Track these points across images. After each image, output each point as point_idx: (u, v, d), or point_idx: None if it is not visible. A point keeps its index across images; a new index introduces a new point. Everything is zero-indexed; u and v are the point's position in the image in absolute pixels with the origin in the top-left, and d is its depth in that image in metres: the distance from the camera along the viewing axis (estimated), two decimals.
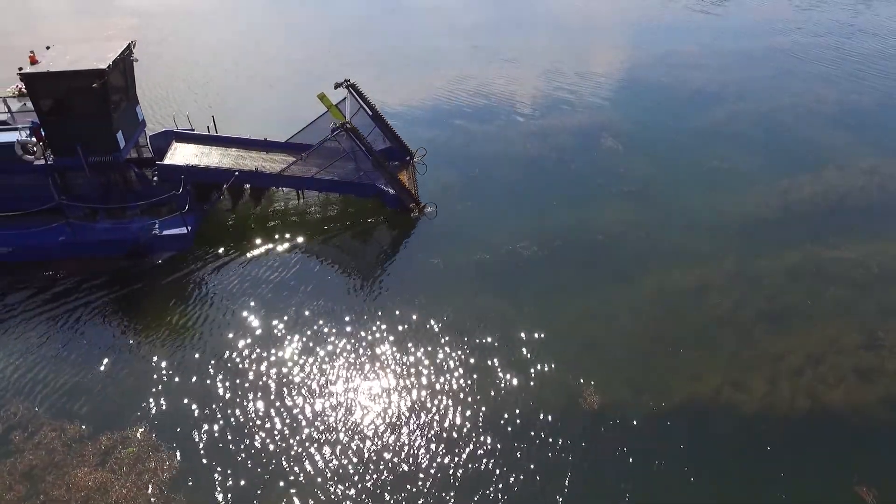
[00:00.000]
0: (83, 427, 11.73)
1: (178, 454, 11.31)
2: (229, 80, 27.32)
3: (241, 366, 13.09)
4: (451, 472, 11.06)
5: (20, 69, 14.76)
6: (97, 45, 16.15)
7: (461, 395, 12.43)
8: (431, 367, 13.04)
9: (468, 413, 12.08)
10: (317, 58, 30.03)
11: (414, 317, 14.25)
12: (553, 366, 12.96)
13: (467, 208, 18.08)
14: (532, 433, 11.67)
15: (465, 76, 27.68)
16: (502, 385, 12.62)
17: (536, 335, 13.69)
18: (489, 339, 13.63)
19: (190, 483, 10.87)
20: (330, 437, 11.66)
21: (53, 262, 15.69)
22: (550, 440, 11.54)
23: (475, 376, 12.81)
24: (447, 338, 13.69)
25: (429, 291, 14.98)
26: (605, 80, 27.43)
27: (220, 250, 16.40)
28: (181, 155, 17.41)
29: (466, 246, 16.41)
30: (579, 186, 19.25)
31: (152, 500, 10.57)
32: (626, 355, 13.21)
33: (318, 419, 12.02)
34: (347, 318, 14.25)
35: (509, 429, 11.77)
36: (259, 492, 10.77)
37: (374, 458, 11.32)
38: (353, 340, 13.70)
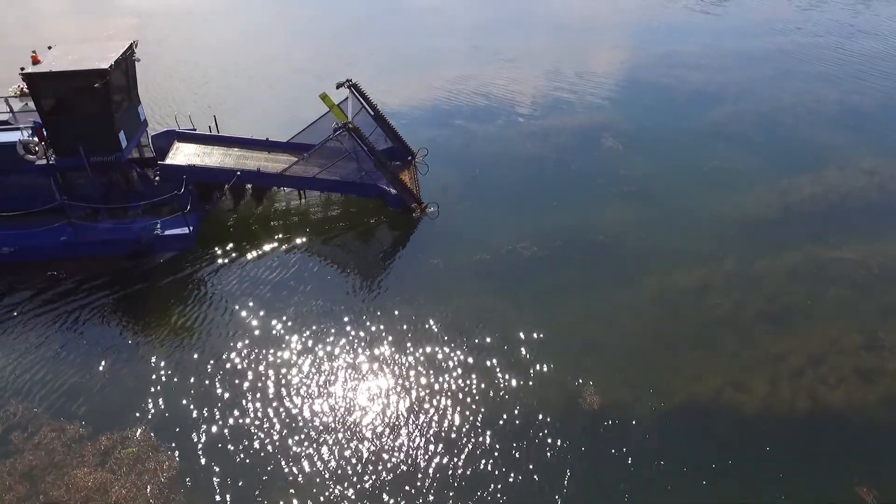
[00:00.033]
0: (83, 427, 11.72)
1: (177, 454, 11.29)
2: (229, 80, 27.31)
3: (241, 366, 13.08)
4: (450, 473, 11.04)
5: (22, 69, 14.75)
6: (99, 45, 16.16)
7: (461, 396, 12.41)
8: (431, 368, 13.02)
9: (468, 413, 12.06)
10: (317, 58, 30.02)
11: (414, 317, 14.23)
12: (553, 366, 12.94)
13: (467, 208, 18.07)
14: (532, 433, 11.65)
15: (465, 76, 27.67)
16: (502, 385, 12.61)
17: (536, 335, 13.67)
18: (489, 340, 13.61)
19: (189, 483, 10.85)
20: (329, 438, 11.65)
21: (55, 262, 15.66)
22: (550, 440, 11.52)
23: (475, 376, 12.80)
24: (447, 338, 13.67)
25: (429, 291, 14.97)
26: (606, 80, 27.42)
27: (222, 250, 16.39)
28: (183, 155, 17.39)
29: (467, 246, 16.40)
30: (580, 186, 19.24)
31: (152, 500, 10.55)
32: (627, 355, 13.20)
33: (318, 419, 12.00)
34: (347, 319, 14.23)
35: (509, 429, 11.76)
36: (258, 492, 10.76)
37: (374, 458, 11.31)
38: (353, 341, 13.69)
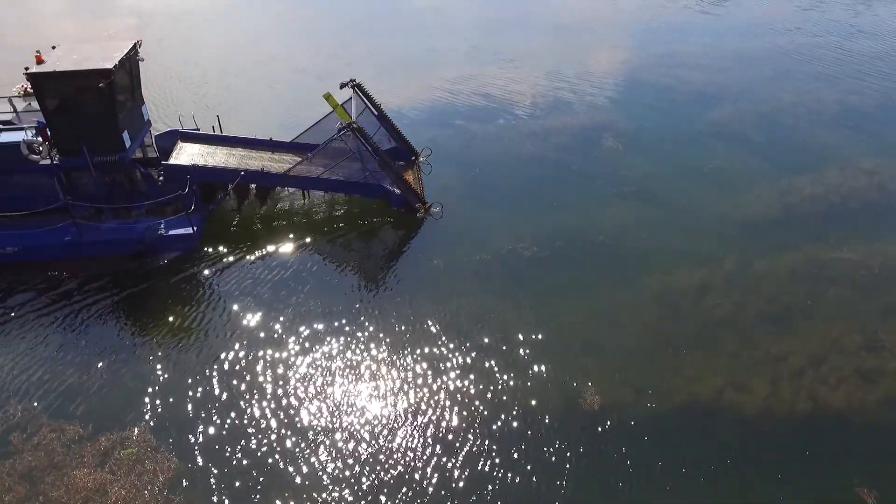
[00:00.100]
0: (82, 428, 11.70)
1: (177, 455, 11.28)
2: (229, 80, 27.29)
3: (241, 367, 13.06)
4: (450, 474, 11.03)
5: (26, 68, 14.75)
6: (103, 45, 16.16)
7: (460, 396, 12.40)
8: (430, 368, 13.01)
9: (467, 414, 12.05)
10: (317, 58, 30.01)
11: (414, 317, 14.22)
12: (553, 366, 12.93)
13: (468, 208, 18.06)
14: (532, 434, 11.64)
15: (465, 76, 27.65)
16: (502, 386, 12.60)
17: (537, 335, 13.66)
18: (489, 340, 13.60)
19: (189, 484, 10.84)
20: (328, 439, 11.64)
21: (58, 262, 15.65)
22: (550, 441, 11.51)
23: (474, 377, 12.79)
24: (447, 338, 13.66)
25: (429, 292, 14.96)
26: (606, 80, 27.40)
27: (225, 250, 16.38)
28: (186, 155, 17.40)
29: (467, 246, 16.38)
30: (580, 187, 19.23)
31: (151, 501, 10.54)
32: (627, 356, 13.18)
33: (317, 420, 11.99)
34: (347, 319, 14.22)
35: (509, 429, 11.75)
36: (257, 493, 10.75)
37: (372, 459, 11.29)
38: (352, 341, 13.68)
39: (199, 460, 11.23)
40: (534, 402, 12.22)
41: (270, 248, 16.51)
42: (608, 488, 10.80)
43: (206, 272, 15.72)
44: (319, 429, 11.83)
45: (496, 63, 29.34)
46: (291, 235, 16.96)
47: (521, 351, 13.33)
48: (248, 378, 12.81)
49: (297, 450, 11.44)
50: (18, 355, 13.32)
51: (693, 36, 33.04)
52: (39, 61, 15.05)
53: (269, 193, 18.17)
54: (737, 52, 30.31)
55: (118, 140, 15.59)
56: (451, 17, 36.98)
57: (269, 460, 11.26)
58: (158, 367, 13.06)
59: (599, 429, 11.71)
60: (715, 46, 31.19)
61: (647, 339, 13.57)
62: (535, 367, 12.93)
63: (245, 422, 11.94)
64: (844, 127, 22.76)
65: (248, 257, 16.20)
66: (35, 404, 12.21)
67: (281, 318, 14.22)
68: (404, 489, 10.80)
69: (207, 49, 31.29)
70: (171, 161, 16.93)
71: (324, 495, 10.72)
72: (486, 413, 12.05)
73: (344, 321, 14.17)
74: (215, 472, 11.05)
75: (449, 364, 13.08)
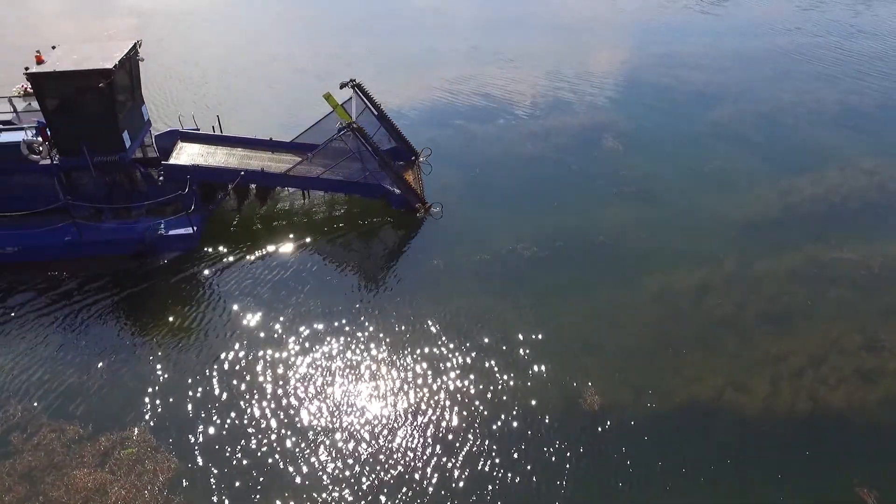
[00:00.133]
0: (82, 428, 11.70)
1: (177, 456, 11.27)
2: (229, 80, 27.28)
3: (241, 367, 13.06)
4: (450, 474, 11.03)
5: (26, 68, 14.74)
6: (103, 45, 16.16)
7: (460, 396, 12.40)
8: (430, 368, 13.00)
9: (468, 414, 12.05)
10: (317, 58, 30.01)
11: (414, 317, 14.22)
12: (553, 366, 12.93)
13: (468, 209, 18.05)
14: (532, 434, 11.64)
15: (465, 76, 27.65)
16: (502, 386, 12.59)
17: (537, 336, 13.66)
18: (489, 340, 13.60)
19: (189, 484, 10.84)
20: (328, 439, 11.63)
21: (58, 262, 15.64)
22: (550, 441, 11.51)
23: (474, 377, 12.79)
24: (447, 338, 13.66)
25: (429, 292, 14.95)
26: (606, 80, 27.40)
27: (225, 250, 16.37)
28: (187, 155, 17.40)
29: (467, 246, 16.38)
30: (580, 187, 19.23)
31: (151, 501, 10.54)
32: (627, 356, 13.18)
33: (317, 420, 11.99)
34: (347, 319, 14.22)
35: (509, 430, 11.75)
36: (257, 493, 10.74)
37: (373, 459, 11.29)
38: (352, 341, 13.67)
39: (200, 460, 11.23)
40: (534, 403, 12.22)
41: (270, 248, 16.51)
42: (608, 488, 10.80)
43: (206, 272, 15.72)
44: (319, 429, 11.83)
45: (496, 63, 29.34)
46: (291, 235, 16.95)
47: (521, 351, 13.33)
48: (248, 378, 12.81)
49: (297, 450, 11.43)
50: (18, 355, 13.32)
51: (693, 36, 33.04)
52: (39, 61, 15.05)
53: (269, 193, 18.16)
54: (737, 52, 30.31)
55: (118, 140, 15.59)
56: (450, 17, 36.98)
57: (270, 460, 11.25)
58: (159, 367, 13.05)
59: (599, 429, 11.71)
60: (715, 46, 31.19)
61: (647, 340, 13.57)
62: (535, 367, 12.92)
63: (245, 422, 11.93)
64: (844, 127, 22.76)
65: (248, 257, 16.19)
66: (35, 404, 12.21)
67: (281, 318, 14.22)
68: (404, 489, 10.80)
69: (207, 49, 31.28)
70: (172, 161, 16.93)
71: (324, 495, 10.72)
72: (485, 413, 12.05)
73: (344, 321, 14.17)
74: (215, 472, 11.05)
75: (449, 364, 13.08)
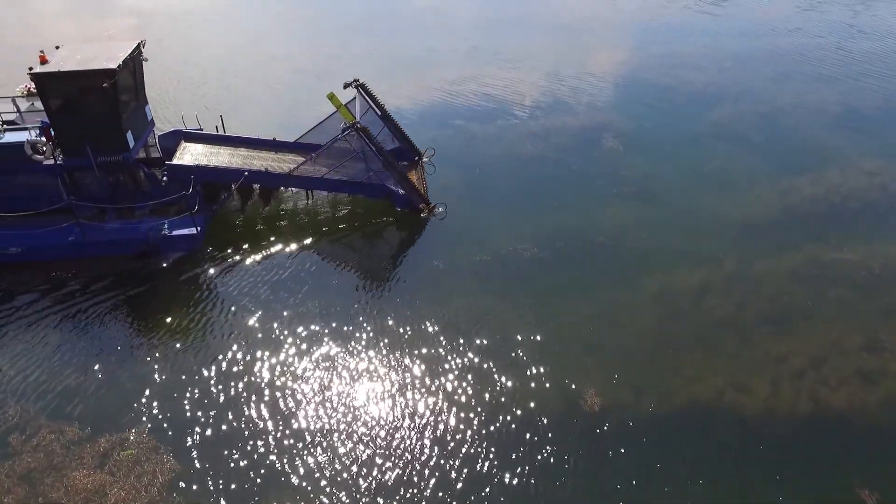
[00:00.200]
0: (81, 429, 11.68)
1: (176, 457, 11.25)
2: (228, 80, 27.26)
3: (241, 368, 13.04)
4: (448, 476, 11.01)
5: (30, 69, 14.74)
6: (107, 45, 16.20)
7: (459, 397, 12.38)
8: (430, 369, 12.98)
9: (466, 415, 12.03)
10: (316, 58, 29.98)
11: (414, 318, 14.20)
12: (553, 367, 12.91)
13: (468, 209, 18.03)
14: (531, 435, 11.62)
15: (465, 76, 27.63)
16: (501, 387, 12.57)
17: (536, 337, 13.64)
18: (489, 341, 13.58)
19: (188, 485, 10.82)
20: (328, 440, 11.62)
21: (61, 263, 15.62)
22: (550, 442, 11.49)
23: (474, 378, 12.76)
24: (446, 339, 13.64)
25: (429, 292, 14.94)
26: (606, 80, 27.39)
27: (229, 251, 16.37)
28: (190, 155, 17.41)
29: (467, 247, 16.36)
30: (580, 187, 19.21)
31: (150, 502, 10.52)
32: (627, 356, 13.16)
33: (316, 422, 11.97)
34: (347, 320, 14.20)
35: (509, 431, 11.73)
36: (256, 494, 10.72)
37: (371, 460, 11.27)
38: (352, 342, 13.66)
39: (199, 461, 11.21)
40: (534, 403, 12.20)
41: (274, 248, 16.49)
42: (608, 489, 10.78)
43: (210, 273, 15.70)
44: (318, 430, 11.81)
45: (496, 63, 29.31)
46: (295, 236, 16.93)
47: (521, 351, 13.31)
48: (248, 379, 12.79)
49: (296, 451, 11.42)
50: (18, 356, 13.30)
51: (693, 36, 33.02)
52: (43, 61, 15.06)
53: (273, 194, 18.16)
54: (737, 52, 30.28)
55: (122, 140, 15.59)
56: (450, 17, 36.94)
57: (268, 461, 11.24)
58: (158, 367, 13.03)
59: (600, 430, 11.69)
60: (715, 47, 31.17)
61: (647, 340, 13.55)
62: (535, 368, 12.90)
63: (244, 423, 11.91)
64: (845, 127, 22.74)
65: (251, 258, 16.17)
66: (34, 405, 12.19)
67: (281, 319, 14.20)
68: (403, 490, 10.78)
69: (207, 49, 31.26)
70: (175, 161, 16.94)
71: (322, 496, 10.70)
72: (485, 414, 12.03)
73: (343, 322, 14.15)
74: (214, 473, 11.03)
75: (448, 365, 13.06)
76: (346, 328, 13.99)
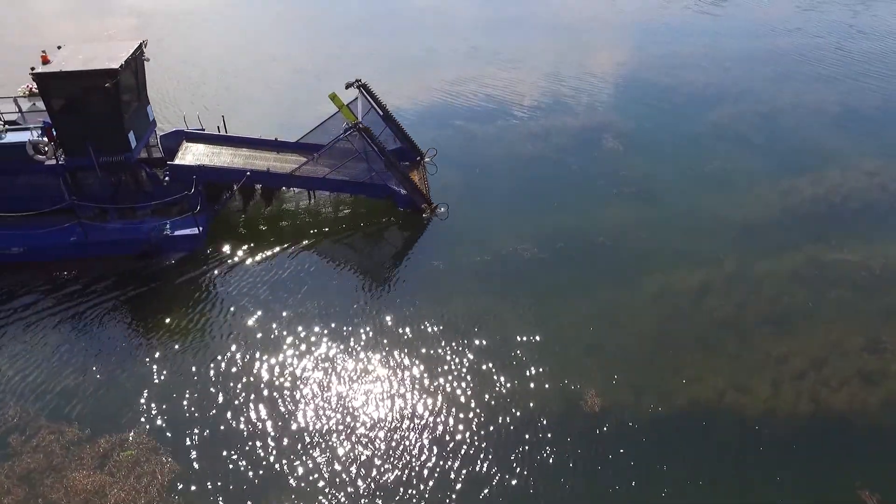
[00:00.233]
0: (81, 430, 11.67)
1: (176, 457, 11.24)
2: (228, 80, 27.23)
3: (240, 369, 13.02)
4: (449, 477, 11.00)
5: (32, 69, 14.73)
6: (109, 45, 16.18)
7: (460, 399, 12.36)
8: (429, 370, 12.97)
9: (467, 416, 12.01)
10: (316, 58, 29.96)
11: (414, 319, 14.19)
12: (553, 368, 12.90)
13: (468, 209, 18.01)
14: (532, 436, 11.60)
15: (465, 77, 27.61)
16: (501, 387, 12.56)
17: (536, 337, 13.63)
18: (489, 342, 13.56)
19: (188, 486, 10.81)
20: (327, 441, 11.61)
21: (63, 263, 15.59)
22: (550, 443, 11.47)
23: (474, 379, 12.75)
24: (446, 340, 13.63)
25: (429, 293, 14.93)
26: (606, 80, 27.37)
27: (231, 251, 16.36)
28: (192, 155, 17.41)
29: (467, 247, 16.35)
30: (580, 188, 19.20)
31: (150, 503, 10.49)
32: (628, 358, 13.15)
33: (316, 422, 11.96)
34: (347, 321, 14.19)
35: (509, 431, 11.71)
36: (256, 495, 10.71)
37: (370, 461, 11.26)
38: (352, 343, 13.64)
39: (198, 462, 11.20)
40: (533, 404, 12.18)
41: (275, 248, 16.48)
42: (609, 490, 10.77)
43: (212, 273, 15.69)
44: (318, 431, 11.79)
45: (496, 63, 29.30)
46: (296, 236, 16.92)
47: (522, 352, 13.30)
48: (248, 379, 12.77)
49: (296, 452, 11.40)
50: (17, 356, 13.28)
51: (693, 36, 33.00)
52: (45, 61, 15.06)
53: (275, 194, 18.16)
54: (737, 52, 30.27)
55: (124, 140, 15.59)
56: (450, 17, 36.92)
57: (268, 462, 11.22)
58: (159, 368, 13.02)
59: (600, 430, 11.68)
60: (715, 47, 31.16)
61: (647, 340, 13.54)
62: (536, 369, 12.89)
63: (245, 424, 11.90)
64: (845, 128, 22.73)
65: (253, 258, 16.16)
66: (33, 406, 12.17)
67: (280, 320, 14.19)
68: (402, 491, 10.77)
69: (207, 49, 31.23)
70: (177, 161, 16.93)
71: (321, 497, 10.69)
72: (485, 414, 12.02)
73: (344, 322, 14.13)
74: (214, 474, 11.01)
75: (448, 365, 13.05)
76: (345, 328, 13.97)
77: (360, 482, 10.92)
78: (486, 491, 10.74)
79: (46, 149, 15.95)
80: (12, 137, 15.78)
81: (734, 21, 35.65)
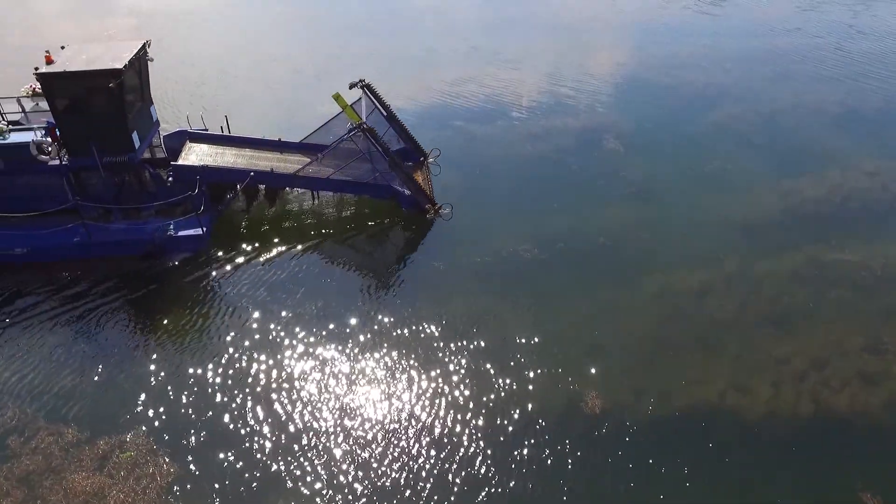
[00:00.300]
0: (80, 431, 11.64)
1: (175, 459, 11.22)
2: (228, 81, 27.21)
3: (241, 370, 13.00)
4: (448, 478, 10.97)
5: (36, 69, 14.73)
6: (112, 45, 16.17)
7: (459, 399, 12.34)
8: (430, 371, 12.95)
9: (466, 417, 11.99)
10: (316, 59, 29.93)
11: (414, 320, 14.16)
12: (554, 369, 12.87)
13: (469, 210, 17.97)
14: (532, 437, 11.58)
15: (465, 77, 27.58)
16: (501, 389, 12.53)
17: (536, 338, 13.60)
18: (489, 343, 13.53)
19: (187, 487, 10.78)
20: (327, 442, 11.58)
21: (67, 263, 15.57)
22: (550, 444, 11.45)
23: (474, 380, 12.72)
24: (446, 340, 13.60)
25: (429, 293, 14.91)
26: (606, 81, 27.35)
27: (234, 251, 16.34)
28: (195, 155, 17.39)
29: (467, 248, 16.33)
30: (581, 188, 19.17)
31: None
32: (629, 359, 13.13)
33: (316, 424, 11.93)
34: (347, 322, 14.16)
35: (508, 433, 11.68)
36: (255, 496, 10.68)
37: (369, 463, 11.24)
38: (352, 344, 13.62)
39: (198, 464, 11.17)
40: (533, 405, 12.16)
41: (278, 249, 16.46)
42: (609, 491, 10.74)
43: (215, 273, 15.68)
44: (317, 432, 11.76)
45: (496, 64, 29.28)
46: (299, 237, 16.90)
47: (521, 352, 13.27)
48: (248, 381, 12.75)
49: (295, 453, 11.37)
50: (17, 357, 13.26)
51: (692, 36, 32.97)
52: (49, 61, 15.06)
53: (278, 194, 18.16)
54: (737, 52, 30.24)
55: (127, 140, 15.58)
56: (450, 17, 36.90)
57: (267, 464, 11.19)
58: (158, 370, 12.99)
59: (600, 432, 11.65)
60: (715, 47, 31.13)
61: (647, 341, 13.52)
62: (536, 370, 12.86)
63: (244, 425, 11.87)
64: (845, 128, 22.70)
65: (256, 258, 16.14)
66: (32, 407, 12.13)
67: (281, 321, 14.16)
68: (401, 493, 10.74)
69: (207, 49, 31.22)
70: (181, 161, 16.91)
71: (320, 499, 10.66)
72: (484, 416, 11.99)
73: (344, 323, 14.11)
74: (213, 475, 10.98)
75: (447, 366, 13.02)
76: (346, 329, 13.95)
77: (358, 484, 10.89)
78: (485, 492, 10.72)
79: (50, 149, 15.94)
80: (16, 137, 15.76)
81: (734, 21, 35.62)
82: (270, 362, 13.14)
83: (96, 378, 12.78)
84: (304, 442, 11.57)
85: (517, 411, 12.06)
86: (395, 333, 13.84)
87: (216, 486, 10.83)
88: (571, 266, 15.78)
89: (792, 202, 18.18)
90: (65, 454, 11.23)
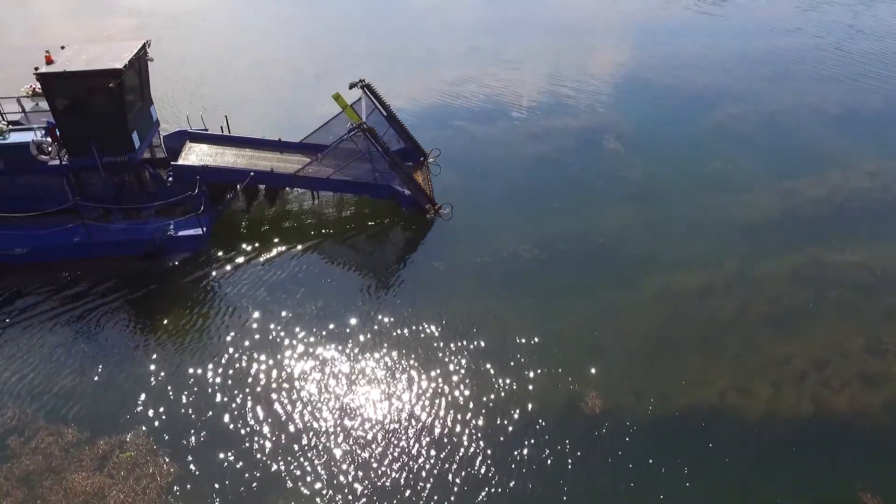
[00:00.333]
0: (80, 431, 11.63)
1: (175, 459, 11.21)
2: (227, 81, 27.20)
3: (241, 370, 12.99)
4: (448, 478, 10.97)
5: (36, 69, 14.72)
6: (113, 45, 16.16)
7: (459, 399, 12.33)
8: (430, 371, 12.94)
9: (467, 417, 11.98)
10: (316, 59, 29.92)
11: (414, 320, 14.15)
12: (554, 369, 12.86)
13: (469, 210, 17.96)
14: (532, 438, 11.57)
15: (465, 77, 27.58)
16: (501, 389, 12.53)
17: (536, 338, 13.60)
18: (489, 343, 13.53)
19: (187, 488, 10.77)
20: (327, 443, 11.57)
21: (67, 263, 15.56)
22: (551, 445, 11.44)
23: (474, 380, 12.72)
24: (447, 341, 13.59)
25: (429, 293, 14.90)
26: (606, 81, 27.35)
27: (234, 251, 16.33)
28: (196, 155, 17.39)
29: (467, 248, 16.33)
30: (581, 189, 19.16)
31: None
32: (629, 359, 13.12)
33: (316, 424, 11.92)
34: (347, 322, 14.16)
35: (508, 433, 11.68)
36: (255, 496, 10.67)
37: (369, 463, 11.23)
38: (352, 345, 13.61)
39: (198, 464, 11.16)
40: (534, 405, 12.15)
41: (278, 249, 16.45)
42: (609, 491, 10.74)
43: (215, 273, 15.67)
44: (317, 432, 11.76)
45: (496, 64, 29.28)
46: (300, 237, 16.89)
47: (522, 353, 13.26)
48: (248, 381, 12.74)
49: (295, 453, 11.36)
50: (17, 357, 13.25)
51: (693, 37, 32.99)
52: (49, 61, 15.05)
53: (278, 194, 18.15)
54: (737, 53, 30.25)
55: (127, 140, 15.57)
56: (451, 17, 36.89)
57: (267, 464, 11.19)
58: (159, 370, 12.98)
59: (600, 432, 11.64)
60: (715, 47, 31.14)
61: (648, 342, 13.51)
62: (536, 370, 12.86)
63: (244, 425, 11.86)
64: (846, 128, 22.70)
65: (256, 258, 16.13)
66: (33, 407, 12.12)
67: (281, 321, 14.16)
68: (401, 493, 10.74)
69: (206, 49, 31.21)
70: (181, 161, 16.91)
71: (320, 499, 10.65)
72: (484, 416, 11.99)
73: (344, 323, 14.10)
74: (213, 475, 10.98)
75: (448, 366, 13.01)
76: (346, 329, 13.95)
77: (358, 484, 10.89)
78: (485, 492, 10.71)
79: (50, 149, 15.93)
80: (16, 137, 15.75)
81: (734, 21, 35.63)
82: (270, 362, 13.14)
83: (96, 378, 12.78)
84: (304, 442, 11.57)
85: (517, 411, 12.05)
86: (395, 333, 13.83)
87: (216, 486, 10.82)
88: (571, 266, 15.78)
89: (792, 202, 18.18)
90: (65, 454, 11.22)
